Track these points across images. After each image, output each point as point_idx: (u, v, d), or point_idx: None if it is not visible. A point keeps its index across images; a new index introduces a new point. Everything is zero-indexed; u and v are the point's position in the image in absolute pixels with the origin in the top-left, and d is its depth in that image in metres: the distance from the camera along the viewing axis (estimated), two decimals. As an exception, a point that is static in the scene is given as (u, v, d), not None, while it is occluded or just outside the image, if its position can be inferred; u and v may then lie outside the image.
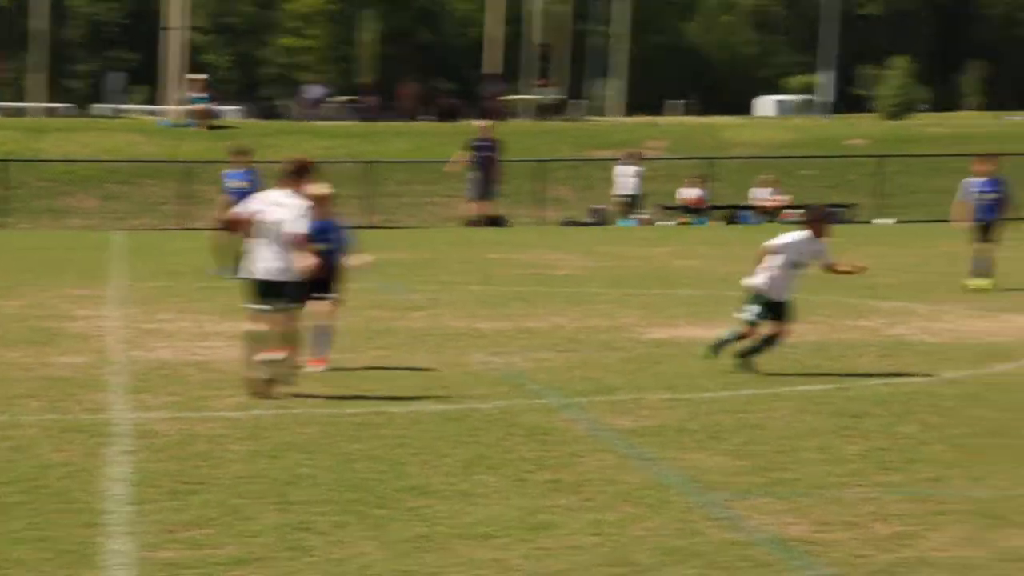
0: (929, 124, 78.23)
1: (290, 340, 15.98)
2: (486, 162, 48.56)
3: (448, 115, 67.18)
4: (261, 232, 16.02)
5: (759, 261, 17.61)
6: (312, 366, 17.20)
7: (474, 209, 48.45)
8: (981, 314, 22.86)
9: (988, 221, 26.89)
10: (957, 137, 63.34)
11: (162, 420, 14.58)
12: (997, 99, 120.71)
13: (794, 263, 17.44)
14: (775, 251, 17.49)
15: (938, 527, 10.46)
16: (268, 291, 15.93)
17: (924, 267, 31.54)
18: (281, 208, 16.03)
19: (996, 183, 27.17)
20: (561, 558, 9.74)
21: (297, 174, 16.70)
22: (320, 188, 17.73)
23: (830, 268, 18.06)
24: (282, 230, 15.83)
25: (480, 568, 9.51)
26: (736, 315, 17.91)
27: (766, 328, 17.36)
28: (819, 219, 17.90)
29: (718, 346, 17.52)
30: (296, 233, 15.80)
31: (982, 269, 26.55)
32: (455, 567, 9.55)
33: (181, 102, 64.74)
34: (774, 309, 17.44)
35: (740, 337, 17.41)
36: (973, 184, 27.38)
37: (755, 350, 17.37)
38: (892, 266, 29.76)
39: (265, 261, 15.94)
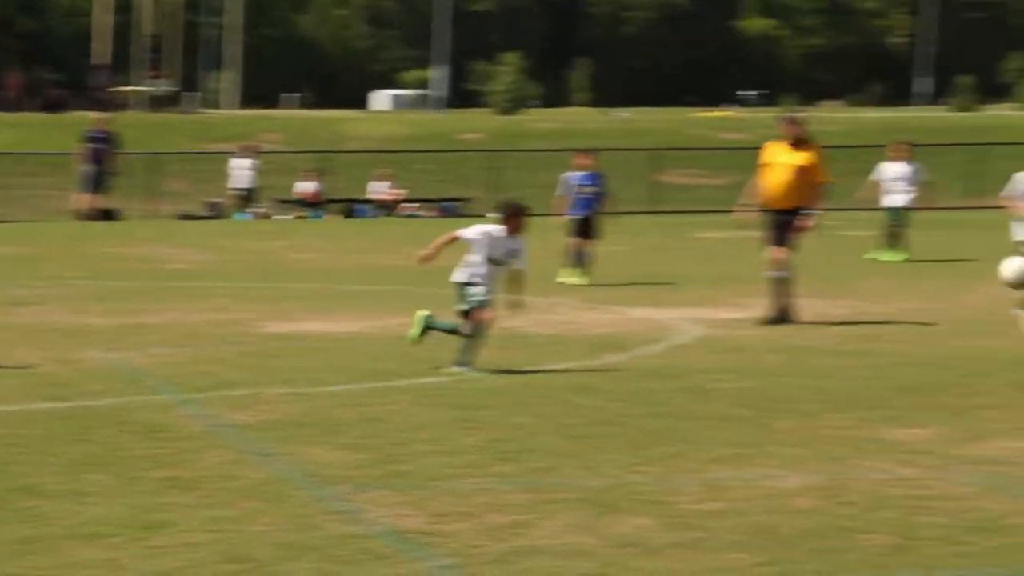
0: (540, 120, 79.45)
1: None
2: (100, 154, 48.00)
3: (55, 106, 66.26)
4: None
5: (440, 248, 17.41)
6: None
7: (86, 202, 47.80)
8: (592, 307, 23.29)
9: (587, 215, 27.27)
10: (566, 133, 64.54)
11: None
12: (604, 96, 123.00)
13: (490, 258, 17.25)
14: (467, 240, 17.32)
15: (551, 515, 10.60)
16: None
17: (534, 261, 31.88)
18: None
19: (595, 177, 27.60)
20: (177, 556, 9.68)
21: None
22: None
23: (514, 278, 17.65)
24: None
25: (91, 568, 9.39)
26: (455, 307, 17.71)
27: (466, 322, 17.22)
28: (514, 214, 17.57)
29: (423, 330, 17.34)
30: None
31: (578, 262, 26.93)
32: (65, 568, 9.42)
33: None
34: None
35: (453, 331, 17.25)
36: (573, 178, 27.75)
37: (458, 336, 17.14)
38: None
39: None
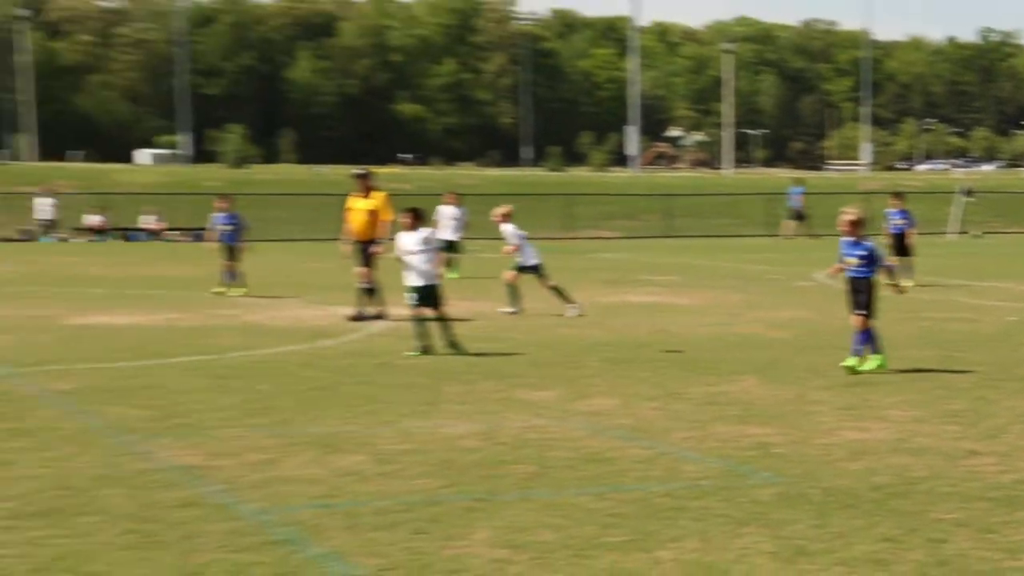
0: (259, 173, 78.67)
1: None
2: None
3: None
4: None
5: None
6: None
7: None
8: (310, 306, 23.12)
9: (231, 245, 26.13)
10: (281, 182, 63.97)
11: None
12: (309, 155, 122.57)
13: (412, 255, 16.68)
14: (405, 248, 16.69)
15: (292, 455, 10.51)
16: None
17: (267, 272, 31.61)
18: None
19: (233, 217, 26.59)
20: (20, 485, 9.41)
21: None
22: None
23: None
24: None
25: (-43, 496, 9.10)
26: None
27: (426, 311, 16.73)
28: (418, 216, 16.95)
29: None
30: None
31: (231, 279, 25.86)
32: (-61, 496, 9.12)
33: None
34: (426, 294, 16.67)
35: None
36: (217, 218, 26.78)
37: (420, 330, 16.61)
38: (246, 270, 29.72)
39: None
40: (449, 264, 28.17)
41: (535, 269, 22.21)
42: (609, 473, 9.97)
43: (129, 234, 50.03)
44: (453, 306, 21.72)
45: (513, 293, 22.07)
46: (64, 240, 48.34)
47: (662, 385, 14.11)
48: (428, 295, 16.74)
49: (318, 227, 51.43)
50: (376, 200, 21.05)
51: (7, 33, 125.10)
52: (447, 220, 31.01)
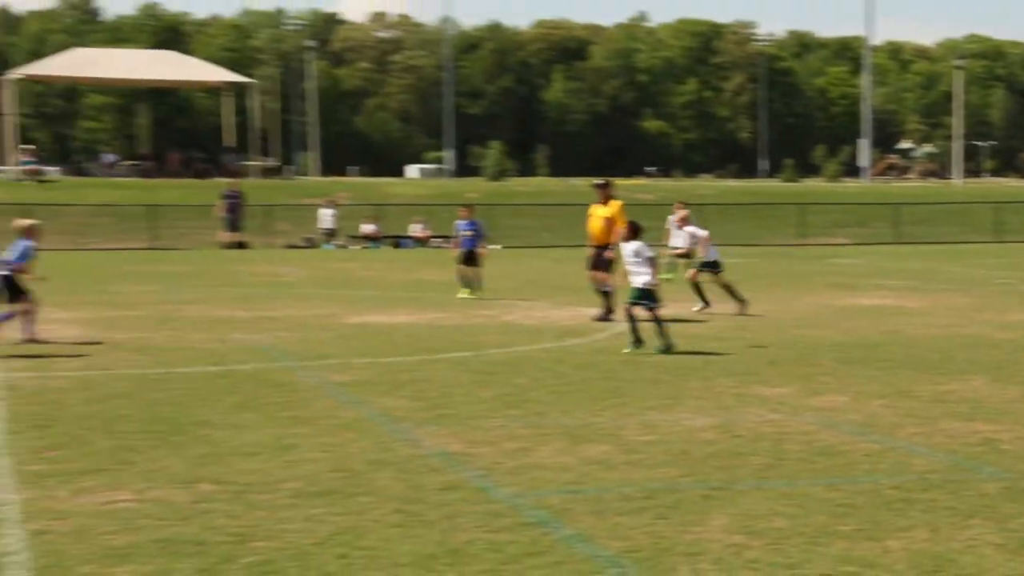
0: (517, 185, 79.36)
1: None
2: (233, 206, 48.11)
3: (201, 175, 65.95)
4: None
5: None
6: None
7: (226, 237, 47.82)
8: (560, 308, 23.23)
9: (470, 250, 26.10)
10: (536, 194, 64.43)
11: (24, 378, 14.07)
12: (562, 168, 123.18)
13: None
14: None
15: (544, 444, 10.58)
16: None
17: (520, 276, 31.98)
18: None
19: (473, 224, 26.54)
20: (303, 467, 9.67)
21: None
22: (25, 222, 18.16)
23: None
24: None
25: (249, 475, 9.37)
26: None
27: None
28: (634, 230, 17.14)
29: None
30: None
31: (466, 284, 25.70)
32: (232, 473, 9.41)
33: (17, 164, 62.42)
34: (639, 297, 16.67)
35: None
36: (460, 225, 26.86)
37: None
38: (502, 275, 30.08)
39: None
40: (676, 268, 28.09)
41: (714, 266, 22.46)
42: (840, 466, 9.78)
43: (399, 241, 51.00)
44: (684, 308, 21.70)
45: (697, 290, 22.28)
46: (342, 247, 49.49)
47: (892, 384, 13.76)
48: (641, 298, 16.68)
49: (568, 234, 51.80)
50: (613, 208, 21.14)
51: (298, 63, 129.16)
52: (676, 228, 30.83)
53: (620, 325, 19.93)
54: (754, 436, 10.88)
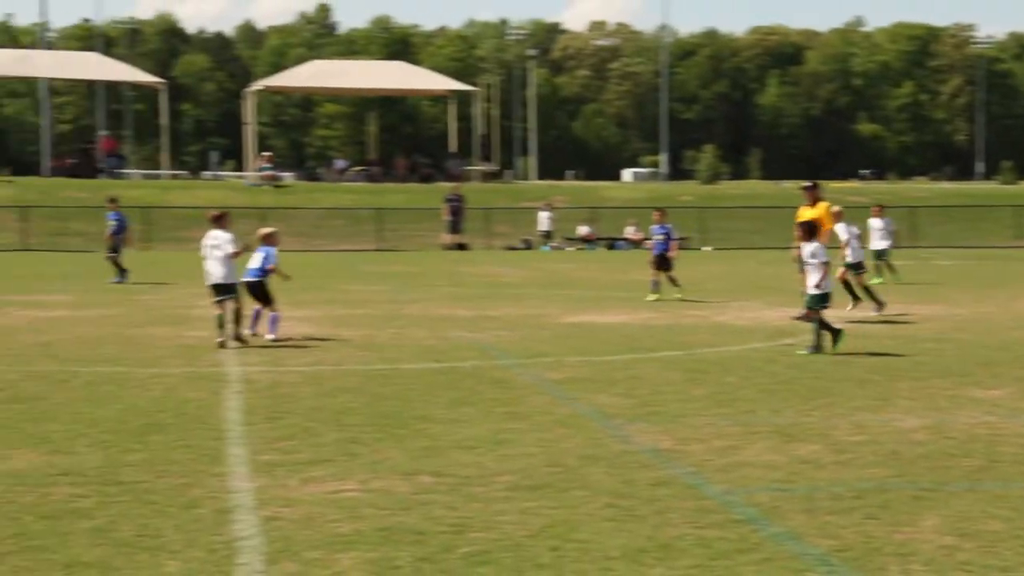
0: (730, 188, 78.59)
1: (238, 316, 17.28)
2: (455, 209, 48.77)
3: (426, 179, 67.00)
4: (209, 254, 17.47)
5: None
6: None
7: (449, 239, 48.54)
8: (772, 308, 22.90)
9: (662, 254, 25.73)
10: (749, 196, 63.65)
11: (258, 372, 14.50)
12: (774, 171, 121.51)
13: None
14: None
15: (753, 442, 10.44)
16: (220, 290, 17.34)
17: (731, 278, 31.67)
18: (217, 239, 17.46)
19: (664, 228, 26.04)
20: (518, 461, 9.72)
21: (219, 219, 17.86)
22: (265, 229, 18.73)
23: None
24: (223, 252, 17.34)
25: (467, 467, 9.47)
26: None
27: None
28: (808, 231, 16.87)
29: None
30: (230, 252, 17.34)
31: (658, 287, 25.20)
32: (451, 465, 9.53)
33: (256, 170, 64.38)
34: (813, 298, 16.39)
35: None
36: (654, 229, 26.48)
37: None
38: (714, 276, 29.90)
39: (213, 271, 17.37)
40: (879, 271, 27.49)
41: (857, 267, 22.25)
42: (1057, 470, 9.41)
43: (614, 243, 51.01)
44: (903, 309, 21.14)
45: (850, 288, 21.87)
46: (558, 248, 49.76)
47: (1112, 387, 13.19)
48: (815, 300, 16.29)
49: (779, 235, 51.06)
50: (819, 210, 20.79)
51: (520, 71, 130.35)
52: (875, 231, 30.08)
53: (855, 327, 19.60)
54: (967, 438, 10.53)
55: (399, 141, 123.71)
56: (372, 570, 6.92)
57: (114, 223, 30.61)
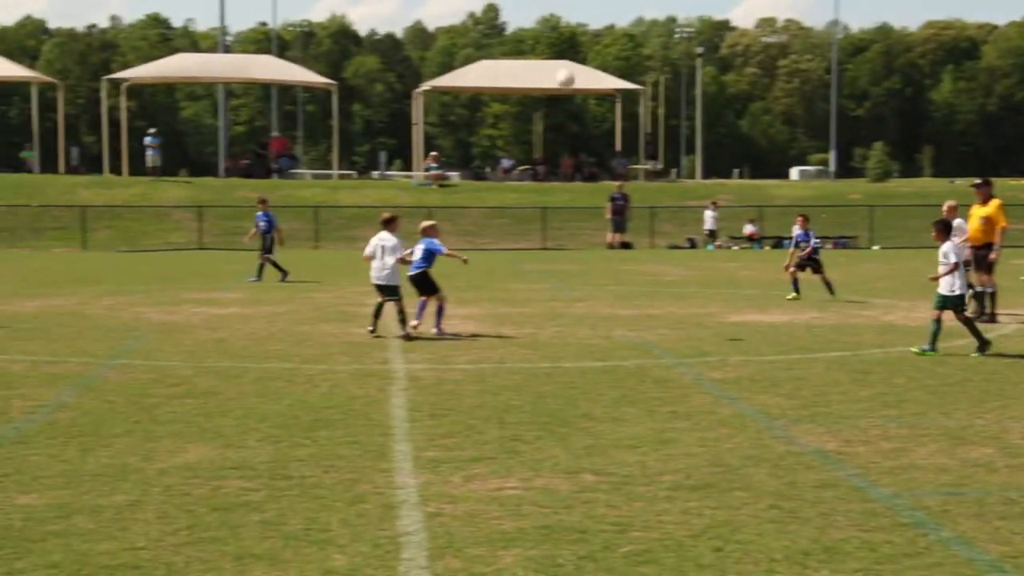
0: (900, 186, 76.91)
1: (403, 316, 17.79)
2: (620, 208, 48.70)
3: (591, 178, 67.00)
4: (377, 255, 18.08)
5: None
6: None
7: (614, 238, 48.50)
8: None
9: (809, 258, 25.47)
10: (919, 194, 62.23)
11: (423, 370, 14.67)
12: (947, 169, 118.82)
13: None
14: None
15: (922, 444, 10.23)
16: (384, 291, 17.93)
17: (899, 277, 31.02)
18: (386, 241, 18.05)
19: (807, 234, 25.74)
20: (680, 461, 9.67)
21: (389, 222, 18.47)
22: (426, 223, 19.39)
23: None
24: (391, 255, 18.02)
25: (629, 466, 9.45)
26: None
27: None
28: (941, 229, 16.34)
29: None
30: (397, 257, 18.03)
31: (795, 288, 24.99)
32: (613, 464, 9.52)
33: (423, 170, 65.11)
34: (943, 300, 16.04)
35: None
36: (799, 235, 26.00)
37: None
38: (881, 276, 29.34)
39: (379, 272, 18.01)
40: None
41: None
42: None
43: (780, 241, 50.40)
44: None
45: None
46: (724, 247, 49.35)
47: None
48: (946, 302, 15.87)
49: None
50: (991, 208, 20.28)
51: (687, 69, 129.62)
52: None
53: (1006, 326, 19.11)
54: None
55: (565, 140, 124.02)
56: (534, 568, 6.94)
57: (264, 223, 31.12)
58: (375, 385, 13.44)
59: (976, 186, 21.05)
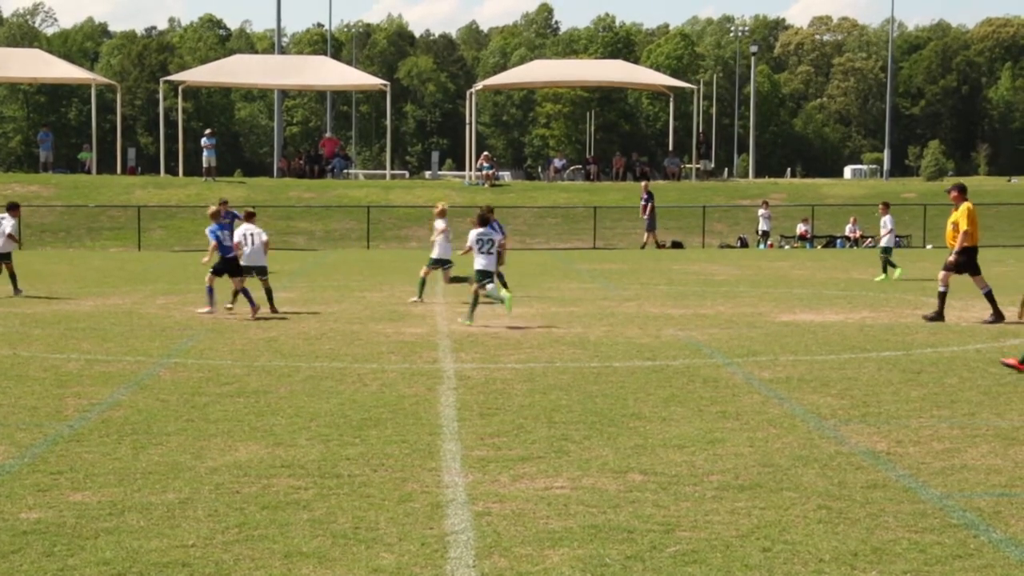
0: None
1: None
2: (645, 207, 48.35)
3: (643, 178, 66.80)
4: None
5: None
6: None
7: (648, 238, 48.17)
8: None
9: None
10: (974, 193, 61.65)
11: (473, 369, 14.67)
12: (1004, 167, 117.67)
13: None
14: None
15: (974, 445, 10.13)
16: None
17: (954, 276, 30.56)
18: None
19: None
20: (728, 461, 9.62)
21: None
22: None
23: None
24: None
25: (676, 466, 9.41)
26: None
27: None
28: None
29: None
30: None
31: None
32: (661, 464, 9.47)
33: (475, 169, 65.12)
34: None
35: None
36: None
37: None
38: (934, 274, 28.90)
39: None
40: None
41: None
42: None
43: (832, 241, 50.07)
44: None
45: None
46: (777, 246, 49.07)
47: None
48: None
49: (1006, 234, 49.56)
50: (960, 212, 20.23)
51: (741, 67, 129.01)
52: None
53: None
54: None
55: (617, 139, 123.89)
56: (581, 567, 6.92)
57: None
58: (424, 384, 13.46)
59: (949, 191, 21.15)
